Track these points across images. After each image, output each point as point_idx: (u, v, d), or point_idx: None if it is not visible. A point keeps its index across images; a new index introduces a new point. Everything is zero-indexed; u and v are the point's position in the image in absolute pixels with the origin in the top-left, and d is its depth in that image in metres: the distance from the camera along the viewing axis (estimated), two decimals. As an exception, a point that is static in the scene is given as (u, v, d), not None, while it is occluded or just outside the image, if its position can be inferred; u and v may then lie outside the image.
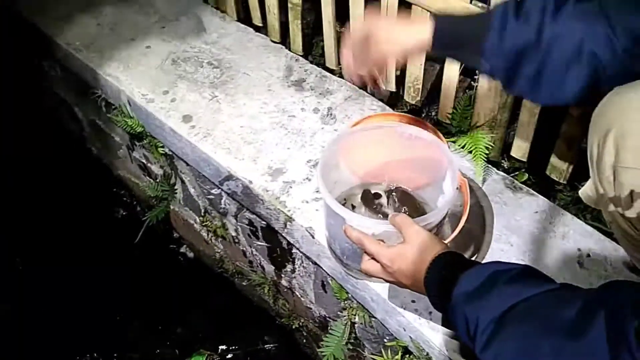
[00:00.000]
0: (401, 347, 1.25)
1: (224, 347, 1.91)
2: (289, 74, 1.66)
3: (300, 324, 1.79)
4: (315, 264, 1.42)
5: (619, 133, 0.78)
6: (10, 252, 2.12)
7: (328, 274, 1.38)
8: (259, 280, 1.82)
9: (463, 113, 1.42)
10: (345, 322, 1.42)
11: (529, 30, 0.86)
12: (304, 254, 1.44)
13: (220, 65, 1.70)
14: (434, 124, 1.42)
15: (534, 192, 1.34)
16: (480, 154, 1.37)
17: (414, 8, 1.37)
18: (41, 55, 2.10)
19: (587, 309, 0.65)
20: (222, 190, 1.61)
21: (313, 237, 1.31)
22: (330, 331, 1.45)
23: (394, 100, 1.64)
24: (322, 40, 1.66)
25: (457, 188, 1.06)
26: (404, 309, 1.17)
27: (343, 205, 1.07)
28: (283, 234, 1.45)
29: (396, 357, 1.27)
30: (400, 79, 1.53)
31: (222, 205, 1.71)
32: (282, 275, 1.69)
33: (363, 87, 1.58)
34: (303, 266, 1.54)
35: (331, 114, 1.54)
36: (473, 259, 1.22)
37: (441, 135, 1.30)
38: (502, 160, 1.46)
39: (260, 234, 1.63)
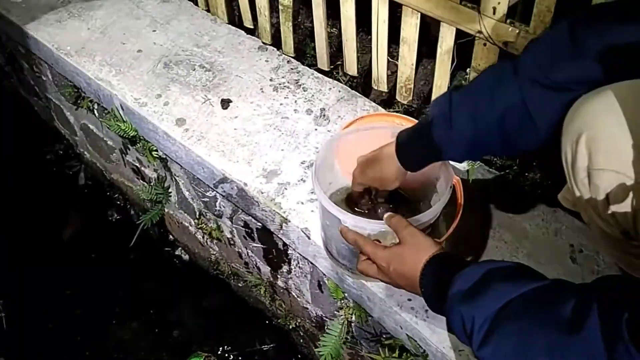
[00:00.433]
0: (398, 345, 1.27)
1: (220, 348, 1.92)
2: (281, 75, 1.67)
3: (297, 324, 1.80)
4: (312, 264, 1.43)
5: (590, 136, 0.81)
6: (7, 254, 2.11)
7: (324, 274, 1.39)
8: (255, 282, 1.83)
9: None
10: (342, 321, 1.43)
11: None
12: (300, 255, 1.45)
13: (212, 68, 1.70)
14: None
15: (526, 190, 1.36)
16: (472, 153, 1.37)
17: (404, 9, 1.39)
18: (32, 60, 2.09)
19: (581, 304, 0.66)
20: (216, 192, 1.61)
21: (309, 238, 1.32)
22: (327, 331, 1.46)
23: (386, 100, 1.65)
24: (314, 42, 1.67)
25: (450, 187, 1.07)
26: (401, 307, 1.18)
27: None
28: (279, 235, 1.46)
29: (393, 355, 1.28)
30: (392, 79, 1.54)
31: (217, 208, 1.71)
32: (278, 276, 1.70)
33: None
34: (299, 267, 1.54)
35: (324, 115, 1.54)
36: (467, 258, 1.23)
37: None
38: (495, 159, 1.47)
39: (255, 235, 1.63)
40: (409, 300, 1.19)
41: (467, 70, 1.44)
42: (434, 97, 1.47)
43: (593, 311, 0.64)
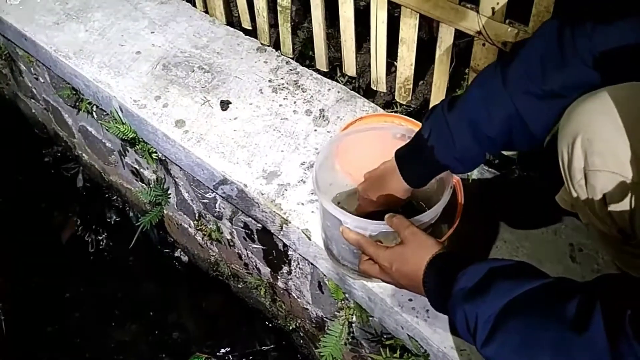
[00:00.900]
0: (399, 345, 1.27)
1: (221, 349, 1.92)
2: (280, 76, 1.67)
3: (297, 325, 1.80)
4: (312, 265, 1.43)
5: (586, 138, 0.82)
6: (5, 257, 2.11)
7: (325, 275, 1.40)
8: (255, 283, 1.83)
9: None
10: (343, 322, 1.43)
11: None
12: (301, 256, 1.45)
13: (211, 70, 1.70)
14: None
15: (525, 189, 1.36)
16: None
17: (403, 9, 1.39)
18: (30, 62, 2.09)
19: (584, 301, 0.67)
20: (216, 194, 1.61)
21: (309, 239, 1.32)
22: (327, 331, 1.46)
23: (386, 101, 1.65)
24: (313, 43, 1.67)
25: (451, 187, 1.08)
26: (402, 307, 1.19)
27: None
28: (279, 237, 1.46)
29: (394, 355, 1.28)
30: (391, 80, 1.55)
31: (217, 209, 1.71)
32: (278, 277, 1.70)
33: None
34: (299, 267, 1.55)
35: (324, 116, 1.55)
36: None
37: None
38: (495, 159, 1.47)
39: (255, 236, 1.63)
40: (410, 300, 1.19)
41: (466, 70, 1.44)
42: (433, 97, 1.47)
43: (597, 308, 0.64)
